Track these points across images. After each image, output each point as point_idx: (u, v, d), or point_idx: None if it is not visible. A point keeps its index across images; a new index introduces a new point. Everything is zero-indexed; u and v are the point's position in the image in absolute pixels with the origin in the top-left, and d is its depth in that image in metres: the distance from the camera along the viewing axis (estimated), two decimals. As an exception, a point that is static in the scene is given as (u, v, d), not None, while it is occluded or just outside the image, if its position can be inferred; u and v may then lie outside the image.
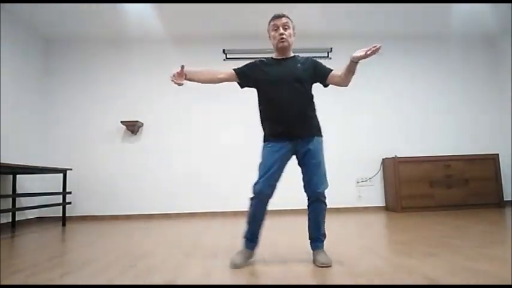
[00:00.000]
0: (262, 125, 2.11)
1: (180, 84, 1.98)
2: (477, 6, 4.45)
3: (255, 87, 2.14)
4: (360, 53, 1.85)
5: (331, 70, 2.12)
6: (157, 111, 4.97)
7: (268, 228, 3.36)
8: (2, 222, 3.90)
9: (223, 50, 4.98)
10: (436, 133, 5.14)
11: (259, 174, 1.99)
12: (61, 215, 4.30)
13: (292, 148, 2.03)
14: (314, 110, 2.14)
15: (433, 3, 4.33)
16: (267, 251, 2.33)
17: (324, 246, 2.05)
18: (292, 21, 2.14)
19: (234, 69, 2.14)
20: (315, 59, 2.19)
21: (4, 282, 1.71)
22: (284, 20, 2.09)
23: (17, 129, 4.28)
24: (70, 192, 4.41)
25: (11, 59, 4.22)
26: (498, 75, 5.29)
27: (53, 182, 4.59)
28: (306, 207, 2.07)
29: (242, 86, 2.19)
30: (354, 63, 1.93)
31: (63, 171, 4.31)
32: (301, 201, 5.17)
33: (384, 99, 5.16)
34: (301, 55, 2.22)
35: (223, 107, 4.90)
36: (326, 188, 2.02)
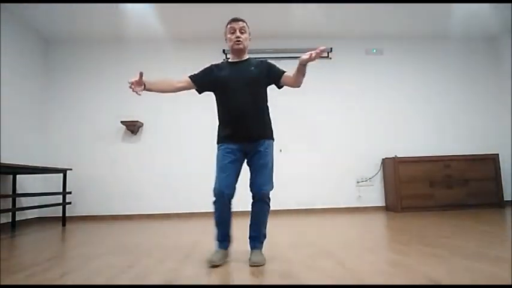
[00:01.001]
0: (218, 127, 2.16)
1: (139, 93, 1.98)
2: (477, 6, 4.45)
3: (212, 91, 2.18)
4: (305, 56, 1.88)
5: (284, 72, 2.16)
6: (157, 111, 4.97)
7: (268, 228, 3.36)
8: (2, 222, 3.90)
9: (223, 50, 4.98)
10: (436, 133, 5.14)
11: (216, 177, 2.05)
12: (61, 215, 4.30)
13: (243, 149, 2.07)
14: (267, 113, 2.17)
15: (433, 3, 4.32)
16: (267, 250, 2.33)
17: (263, 248, 2.12)
18: (248, 27, 2.18)
19: (189, 76, 2.17)
20: (269, 61, 2.23)
21: (4, 282, 1.71)
22: (241, 24, 2.13)
23: (17, 129, 4.28)
24: (70, 192, 4.41)
25: (11, 59, 4.22)
26: (498, 76, 5.29)
27: (53, 182, 4.59)
28: (250, 206, 2.12)
29: (200, 92, 2.22)
30: (302, 65, 1.96)
31: (63, 171, 4.31)
32: (302, 201, 5.16)
33: (384, 99, 5.15)
34: (256, 57, 2.26)
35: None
36: (271, 189, 2.07)
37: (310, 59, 1.87)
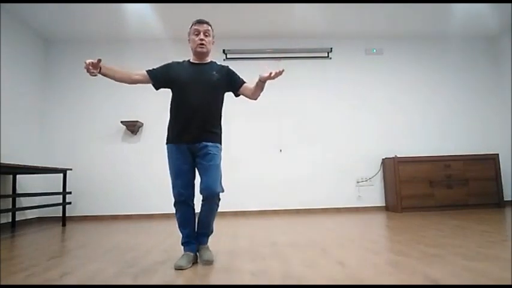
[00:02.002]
0: (168, 126, 2.17)
1: (93, 74, 1.93)
2: (477, 6, 4.45)
3: (169, 88, 2.18)
4: (265, 74, 1.95)
5: (244, 82, 2.19)
6: (157, 111, 4.97)
7: (268, 228, 3.36)
8: (2, 222, 3.90)
9: (223, 50, 4.98)
10: (436, 133, 5.14)
11: (172, 179, 2.09)
12: (61, 215, 4.30)
13: (191, 149, 2.07)
14: (219, 118, 2.17)
15: (433, 3, 4.32)
16: (267, 250, 2.33)
17: (208, 242, 2.14)
18: (213, 30, 2.19)
19: (146, 71, 2.17)
20: (230, 68, 2.24)
21: (4, 282, 1.71)
22: (206, 26, 2.14)
23: (17, 129, 4.28)
24: (70, 192, 4.41)
25: (11, 59, 4.22)
26: (498, 75, 5.29)
27: (53, 182, 4.59)
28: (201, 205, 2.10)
29: (156, 87, 2.22)
30: (261, 82, 2.01)
31: (63, 171, 4.31)
32: (302, 201, 5.16)
33: (384, 99, 5.16)
34: (218, 62, 2.27)
35: (225, 106, 4.89)
36: (221, 191, 2.06)
37: (270, 78, 1.93)
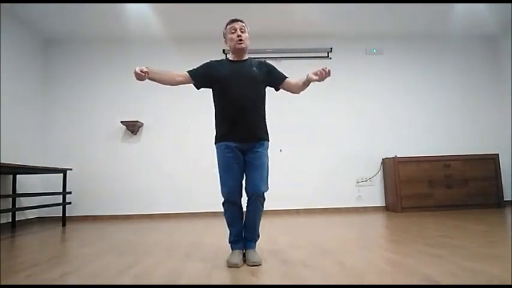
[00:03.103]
0: (215, 125, 2.15)
1: (142, 79, 2.00)
2: (477, 6, 4.45)
3: (210, 88, 2.18)
4: (314, 77, 2.02)
5: (286, 77, 2.21)
6: (157, 111, 4.98)
7: (268, 228, 3.36)
8: (2, 222, 3.90)
9: (223, 50, 4.98)
10: (436, 133, 5.14)
11: (222, 178, 2.07)
12: (61, 215, 4.30)
13: (240, 148, 2.06)
14: (264, 114, 2.18)
15: (433, 3, 4.32)
16: (267, 250, 2.33)
17: (256, 247, 2.11)
18: (247, 27, 2.18)
19: (188, 71, 2.17)
20: (269, 63, 2.25)
21: (4, 282, 1.71)
22: (241, 24, 2.15)
23: (17, 129, 4.28)
24: (70, 192, 4.41)
25: (11, 59, 4.22)
26: (498, 75, 5.29)
27: (53, 182, 4.59)
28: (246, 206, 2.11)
29: (198, 87, 2.22)
30: (308, 81, 2.07)
31: (63, 171, 4.31)
32: (302, 201, 5.16)
33: (384, 99, 5.15)
34: (255, 58, 2.26)
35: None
36: (266, 190, 2.06)
37: (318, 80, 2.02)
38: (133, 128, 4.83)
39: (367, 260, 1.99)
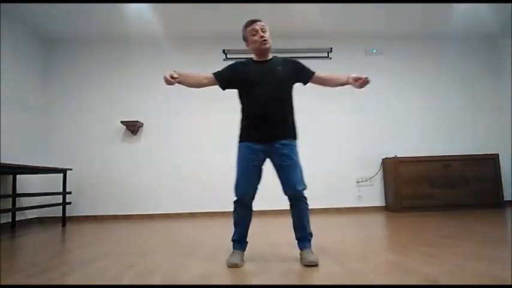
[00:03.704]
0: (240, 124, 2.15)
1: (171, 84, 2.01)
2: (477, 6, 4.45)
3: (236, 89, 2.17)
4: (355, 84, 2.10)
5: (314, 72, 2.18)
6: (157, 111, 4.97)
7: (268, 228, 3.36)
8: (2, 222, 3.90)
9: (223, 50, 4.98)
10: (436, 133, 5.14)
11: (238, 177, 2.05)
12: (61, 215, 4.30)
13: (266, 150, 2.04)
14: (292, 113, 2.14)
15: (433, 3, 4.32)
16: (267, 250, 2.34)
17: (312, 246, 2.08)
18: (267, 25, 2.15)
19: (213, 74, 2.17)
20: (296, 60, 2.21)
21: (4, 282, 1.71)
22: (260, 23, 2.12)
23: (17, 129, 4.28)
24: (70, 192, 4.41)
25: (11, 59, 4.22)
26: (498, 75, 5.29)
27: (53, 182, 4.58)
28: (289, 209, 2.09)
29: (223, 88, 2.21)
30: (346, 83, 2.09)
31: (63, 171, 4.31)
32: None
33: (384, 99, 5.15)
34: (279, 56, 2.23)
35: (224, 106, 4.89)
36: (304, 188, 2.04)
37: (358, 87, 2.12)
38: (133, 128, 4.83)
39: (367, 260, 1.99)
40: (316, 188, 4.95)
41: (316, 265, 1.88)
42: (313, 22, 4.70)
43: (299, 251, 2.06)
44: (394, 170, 4.66)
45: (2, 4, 3.98)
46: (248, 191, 2.03)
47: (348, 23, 4.82)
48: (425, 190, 4.64)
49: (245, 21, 2.16)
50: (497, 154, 4.79)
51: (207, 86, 2.18)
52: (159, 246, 2.63)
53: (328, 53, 5.15)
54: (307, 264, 1.88)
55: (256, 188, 2.07)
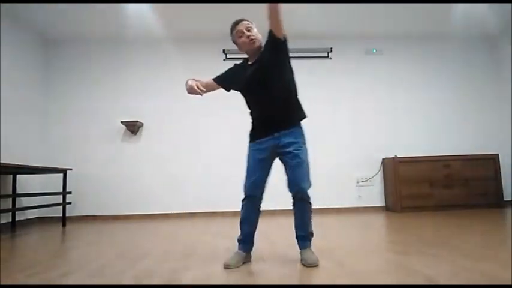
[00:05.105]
0: (251, 125, 2.19)
1: (199, 94, 2.03)
2: (477, 6, 4.45)
3: (238, 91, 2.19)
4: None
5: (271, 30, 2.02)
6: (157, 111, 4.98)
7: (268, 228, 3.36)
8: (2, 222, 3.90)
9: (223, 50, 4.98)
10: (436, 133, 5.14)
11: (247, 176, 2.07)
12: (61, 215, 4.30)
13: (275, 145, 2.03)
14: (294, 98, 2.09)
15: (433, 3, 4.32)
16: (267, 250, 2.34)
17: (312, 245, 2.07)
18: (252, 22, 2.13)
19: (213, 79, 2.19)
20: (268, 37, 2.07)
21: (4, 282, 1.71)
22: (245, 23, 2.09)
23: (17, 129, 4.28)
24: (70, 192, 4.41)
25: (11, 59, 4.22)
26: (498, 75, 5.28)
27: (53, 182, 4.59)
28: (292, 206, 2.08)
29: (227, 90, 2.24)
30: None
31: (63, 171, 4.31)
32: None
33: (384, 99, 5.15)
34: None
35: (225, 106, 4.90)
36: (309, 187, 2.02)
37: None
38: (133, 128, 4.83)
39: (367, 260, 1.99)
40: (316, 188, 4.95)
41: (316, 266, 1.88)
42: (313, 22, 4.70)
43: (299, 250, 2.06)
44: (394, 170, 4.66)
45: (2, 4, 3.98)
46: (255, 189, 2.03)
47: (348, 23, 4.82)
48: (425, 190, 4.64)
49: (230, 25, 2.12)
50: (497, 154, 4.80)
51: (212, 91, 2.20)
52: (159, 246, 2.63)
53: (328, 53, 5.15)
54: (307, 265, 1.89)
55: (264, 187, 2.07)
